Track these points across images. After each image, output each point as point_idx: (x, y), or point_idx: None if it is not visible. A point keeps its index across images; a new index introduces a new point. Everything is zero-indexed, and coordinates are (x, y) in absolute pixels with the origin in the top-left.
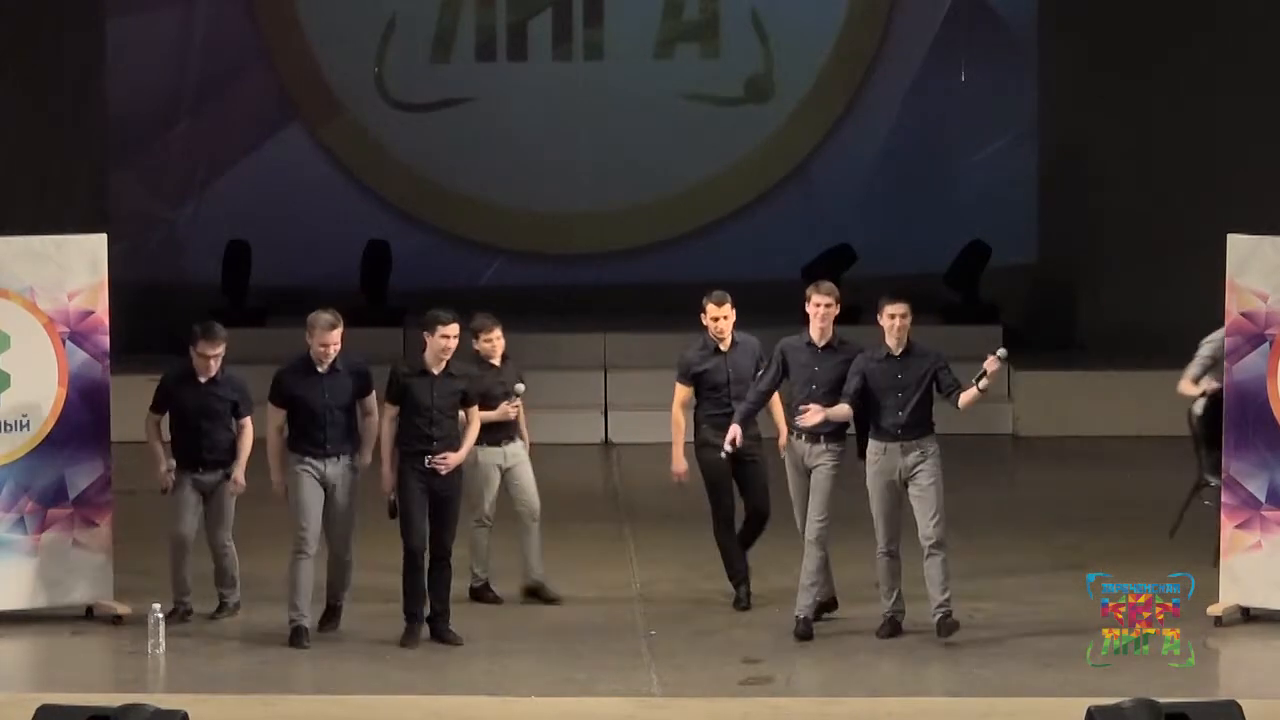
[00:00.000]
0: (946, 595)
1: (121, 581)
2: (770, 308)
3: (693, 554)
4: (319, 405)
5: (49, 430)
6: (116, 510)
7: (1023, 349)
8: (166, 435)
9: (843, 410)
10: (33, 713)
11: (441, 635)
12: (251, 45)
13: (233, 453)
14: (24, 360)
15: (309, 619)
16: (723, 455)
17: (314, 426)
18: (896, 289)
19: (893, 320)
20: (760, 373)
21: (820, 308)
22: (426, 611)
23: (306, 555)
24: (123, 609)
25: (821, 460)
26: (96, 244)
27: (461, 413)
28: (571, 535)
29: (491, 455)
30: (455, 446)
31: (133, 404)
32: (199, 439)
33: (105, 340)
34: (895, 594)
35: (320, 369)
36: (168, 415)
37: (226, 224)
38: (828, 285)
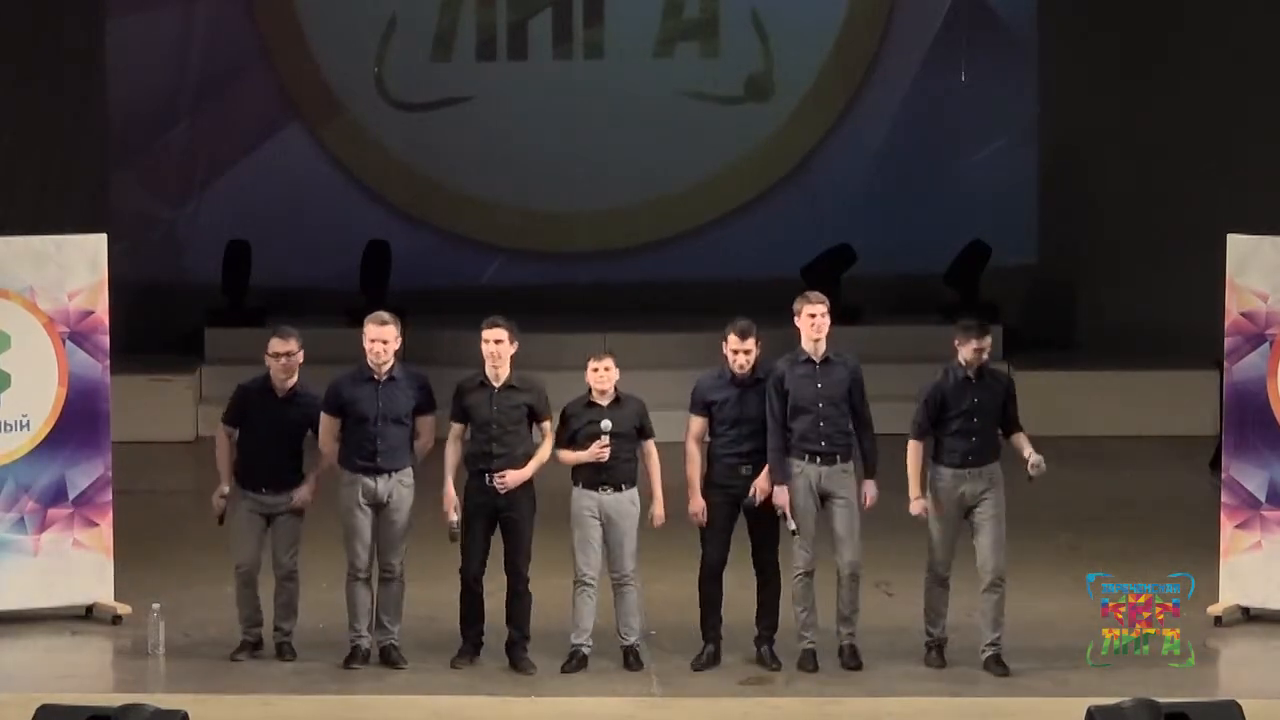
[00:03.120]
0: (998, 634)
1: (121, 581)
2: (770, 308)
3: (692, 553)
4: (372, 415)
5: (49, 430)
6: (116, 510)
7: (1023, 349)
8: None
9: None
10: (33, 713)
11: (517, 663)
12: (251, 45)
13: (299, 474)
14: (24, 360)
15: (368, 639)
16: (752, 502)
17: (365, 439)
18: (956, 298)
19: (969, 341)
20: (769, 409)
21: (815, 317)
22: (483, 633)
23: (359, 579)
24: (123, 609)
25: (841, 485)
26: (96, 244)
27: (536, 430)
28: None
29: (585, 501)
30: (519, 465)
31: (133, 404)
32: (265, 457)
33: (105, 340)
34: (944, 622)
35: (376, 376)
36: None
37: (226, 224)
38: (818, 294)
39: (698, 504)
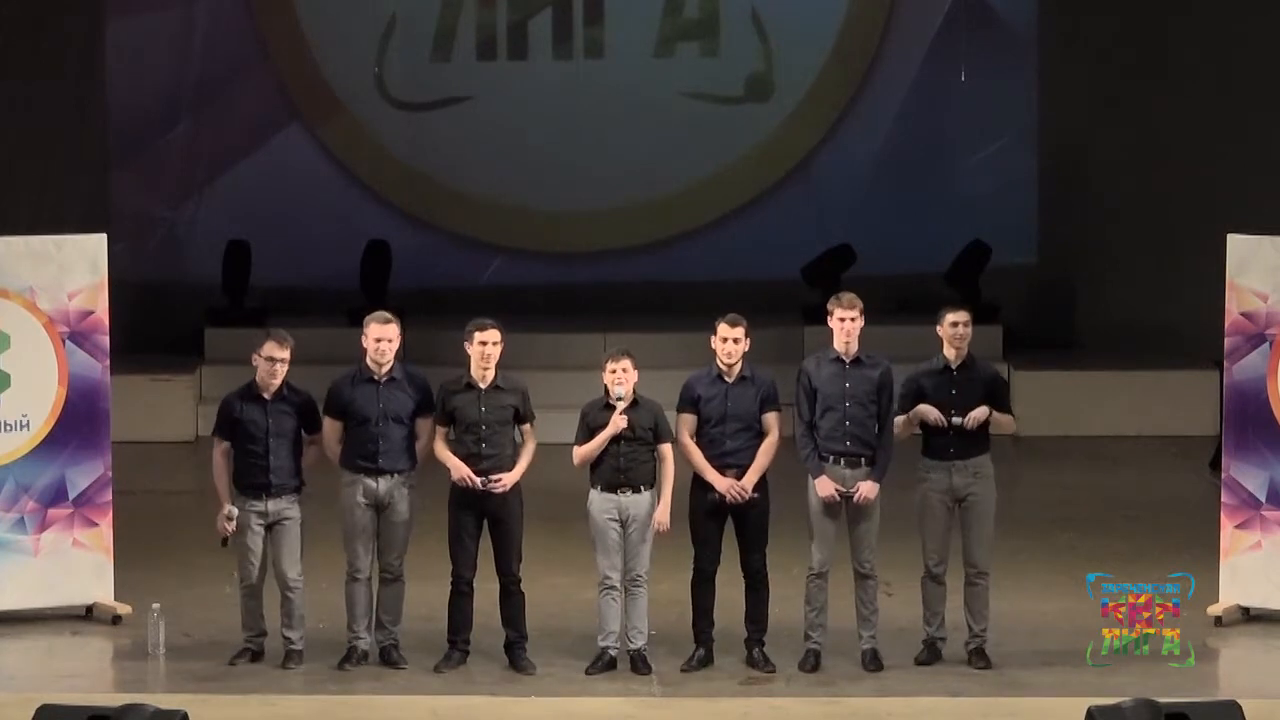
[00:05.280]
0: (983, 627)
1: (121, 581)
2: (770, 307)
3: (691, 553)
4: (374, 415)
5: (49, 430)
6: (116, 510)
7: (1023, 349)
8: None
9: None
10: (33, 713)
11: (517, 663)
12: (251, 45)
13: (299, 476)
14: (24, 360)
15: (366, 640)
16: (714, 498)
17: (366, 439)
18: (956, 298)
19: (955, 329)
20: (796, 409)
21: (845, 321)
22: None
23: (358, 580)
24: (123, 609)
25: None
26: (96, 244)
27: (518, 431)
28: (572, 534)
29: (604, 504)
30: (507, 465)
31: (133, 404)
32: (264, 462)
33: (105, 340)
34: (939, 620)
35: (377, 377)
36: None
37: (226, 224)
38: (851, 296)
39: (725, 481)
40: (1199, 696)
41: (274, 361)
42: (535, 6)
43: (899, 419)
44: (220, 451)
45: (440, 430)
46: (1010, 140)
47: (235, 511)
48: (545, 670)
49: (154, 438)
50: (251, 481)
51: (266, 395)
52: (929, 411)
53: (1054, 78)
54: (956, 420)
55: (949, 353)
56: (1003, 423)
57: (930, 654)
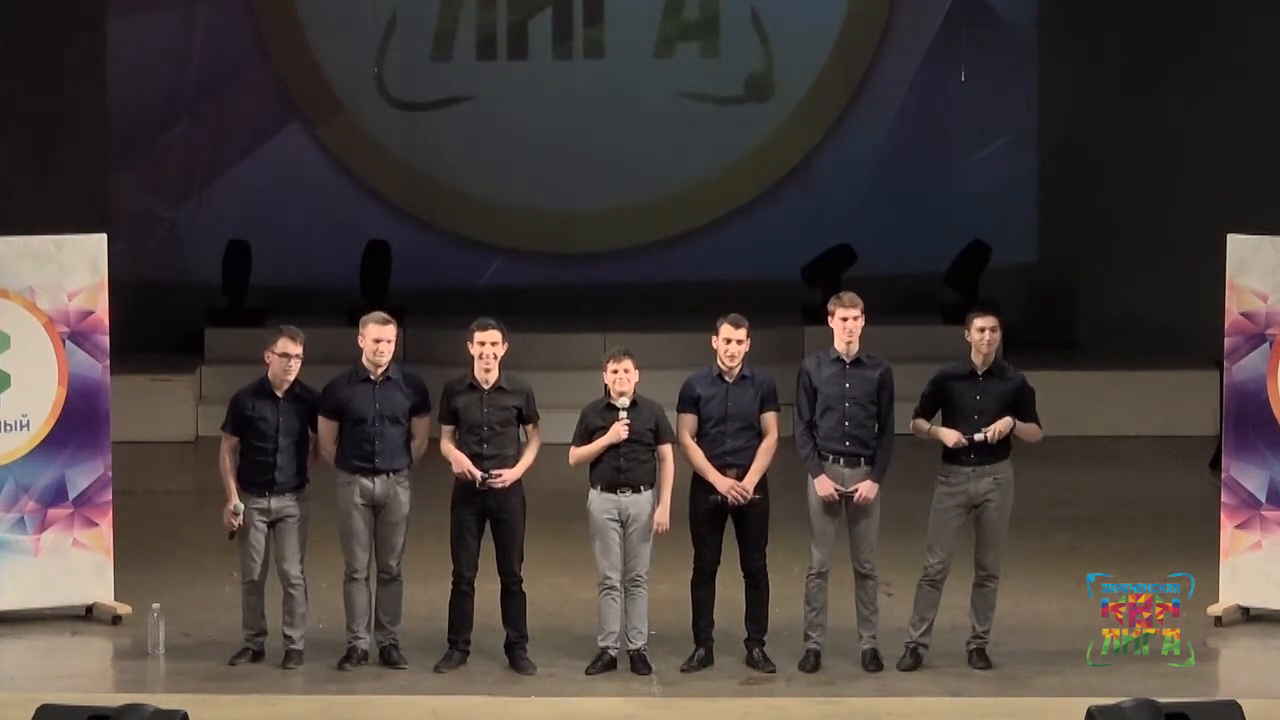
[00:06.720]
0: (986, 628)
1: (121, 581)
2: (770, 307)
3: (692, 553)
4: (369, 415)
5: (49, 430)
6: (116, 510)
7: (1023, 349)
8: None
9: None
10: (33, 713)
11: (517, 663)
12: (251, 45)
13: (304, 474)
14: (24, 360)
15: (366, 640)
16: (715, 500)
17: (363, 439)
18: (984, 300)
19: (981, 335)
20: (797, 408)
21: (848, 320)
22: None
23: (357, 580)
24: (123, 609)
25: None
26: (96, 244)
27: (522, 431)
28: (572, 534)
29: (604, 504)
30: (511, 466)
31: (133, 404)
32: (271, 460)
33: (105, 340)
34: (926, 625)
35: (373, 376)
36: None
37: (226, 224)
38: (852, 295)
39: (725, 481)
40: (1199, 696)
41: (288, 358)
42: (535, 6)
43: (921, 424)
44: (229, 447)
45: (446, 429)
46: (1010, 140)
47: (242, 506)
48: (545, 670)
49: (154, 438)
50: (256, 478)
51: (279, 393)
52: (948, 435)
53: (1054, 78)
54: (978, 437)
55: (975, 358)
56: (1026, 432)
57: (913, 660)
